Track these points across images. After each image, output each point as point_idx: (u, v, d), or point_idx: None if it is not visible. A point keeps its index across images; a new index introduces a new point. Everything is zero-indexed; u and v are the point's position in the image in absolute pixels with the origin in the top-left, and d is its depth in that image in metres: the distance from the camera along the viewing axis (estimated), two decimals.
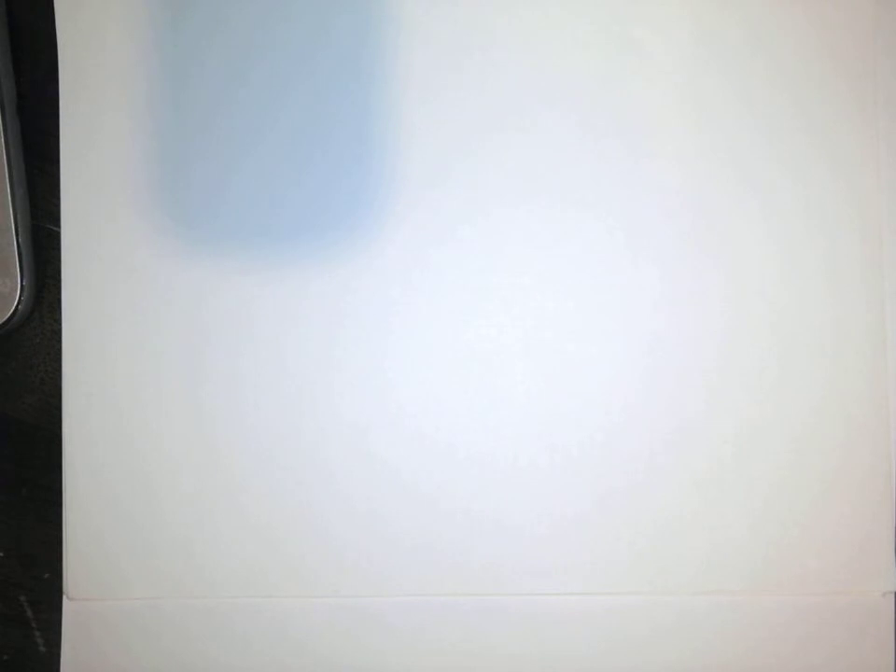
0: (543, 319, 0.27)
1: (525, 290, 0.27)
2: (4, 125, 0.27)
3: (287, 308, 0.27)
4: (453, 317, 0.27)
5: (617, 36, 0.27)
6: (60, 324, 0.27)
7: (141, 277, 0.27)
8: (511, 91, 0.27)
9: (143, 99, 0.27)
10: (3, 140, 0.27)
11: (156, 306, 0.27)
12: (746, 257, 0.27)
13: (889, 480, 0.27)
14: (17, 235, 0.27)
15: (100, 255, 0.27)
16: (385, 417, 0.27)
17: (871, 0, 0.27)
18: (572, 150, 0.27)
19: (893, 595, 0.27)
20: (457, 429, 0.27)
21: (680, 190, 0.27)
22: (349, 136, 0.27)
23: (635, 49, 0.27)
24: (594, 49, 0.27)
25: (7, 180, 0.27)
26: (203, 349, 0.27)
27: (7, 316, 0.27)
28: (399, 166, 0.27)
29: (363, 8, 0.27)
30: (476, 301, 0.27)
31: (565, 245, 0.27)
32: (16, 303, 0.27)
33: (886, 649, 0.27)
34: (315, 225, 0.27)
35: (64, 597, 0.27)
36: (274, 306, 0.27)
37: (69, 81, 0.27)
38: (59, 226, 0.27)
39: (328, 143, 0.27)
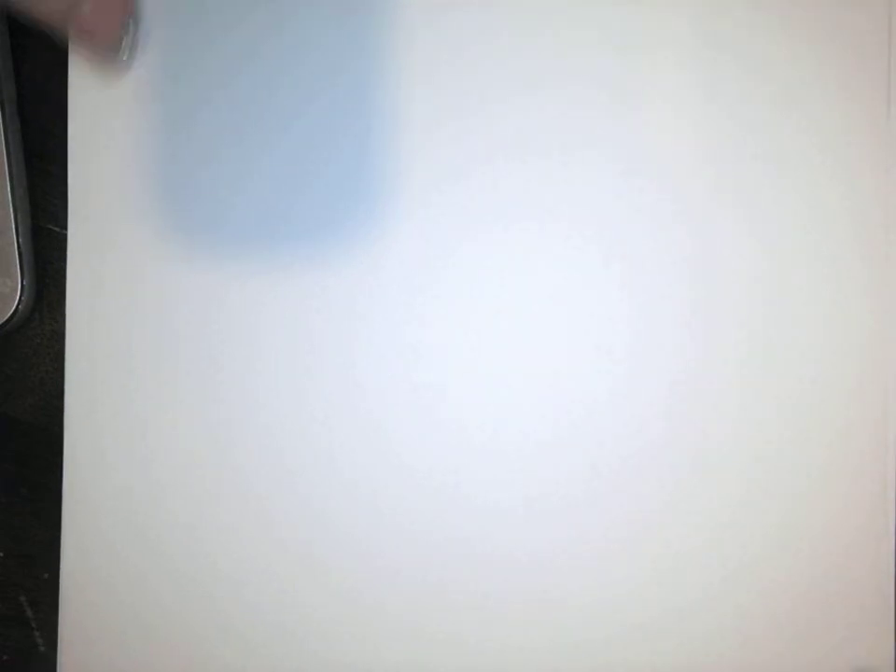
0: (543, 322, 0.27)
1: (526, 294, 0.27)
2: (4, 125, 0.27)
3: (290, 310, 0.27)
4: (454, 320, 0.27)
5: (621, 50, 0.27)
6: (60, 324, 0.27)
7: (144, 278, 0.27)
8: (512, 106, 0.27)
9: (148, 101, 0.27)
10: (3, 140, 0.27)
11: (159, 307, 0.27)
12: (747, 257, 0.27)
13: (888, 480, 0.27)
14: (17, 235, 0.27)
15: (104, 256, 0.27)
16: (395, 417, 0.27)
17: (885, 3, 0.27)
18: (571, 170, 0.27)
19: (893, 596, 0.27)
20: (463, 431, 0.27)
21: (683, 199, 0.27)
22: (355, 144, 0.27)
23: (637, 54, 0.27)
24: (596, 56, 0.27)
25: (7, 180, 0.27)
26: (204, 349, 0.27)
27: (7, 316, 0.27)
28: (403, 171, 0.27)
29: (371, 23, 0.27)
30: (477, 301, 0.27)
31: (564, 250, 0.27)
32: (16, 303, 0.27)
33: (886, 648, 0.27)
34: (321, 229, 0.27)
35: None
36: (278, 307, 0.27)
37: (72, 81, 0.27)
38: (59, 226, 0.27)
39: (334, 149, 0.27)
